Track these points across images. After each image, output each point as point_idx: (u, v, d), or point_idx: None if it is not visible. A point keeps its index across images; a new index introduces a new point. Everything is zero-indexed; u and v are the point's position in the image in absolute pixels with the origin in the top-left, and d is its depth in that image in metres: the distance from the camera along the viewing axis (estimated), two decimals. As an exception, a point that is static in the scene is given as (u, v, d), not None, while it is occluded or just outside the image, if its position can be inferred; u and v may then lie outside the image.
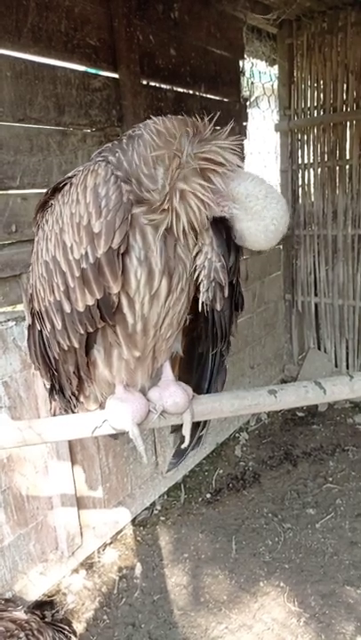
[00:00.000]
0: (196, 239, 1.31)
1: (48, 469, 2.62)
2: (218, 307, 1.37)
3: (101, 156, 1.27)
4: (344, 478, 3.57)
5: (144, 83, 3.17)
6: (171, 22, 3.35)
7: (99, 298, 1.24)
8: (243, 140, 4.35)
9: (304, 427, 4.33)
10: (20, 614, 2.19)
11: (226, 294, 1.37)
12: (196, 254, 1.33)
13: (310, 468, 3.73)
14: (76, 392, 1.54)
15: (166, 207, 1.21)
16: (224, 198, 1.25)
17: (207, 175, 1.21)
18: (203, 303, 1.37)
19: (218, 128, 1.28)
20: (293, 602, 2.60)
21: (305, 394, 1.51)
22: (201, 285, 1.35)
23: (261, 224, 1.25)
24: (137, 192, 1.20)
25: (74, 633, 2.35)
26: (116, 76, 2.95)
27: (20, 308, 2.51)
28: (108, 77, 2.92)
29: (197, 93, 3.68)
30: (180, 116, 1.26)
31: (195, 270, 1.34)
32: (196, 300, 1.40)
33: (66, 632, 2.33)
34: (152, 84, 3.27)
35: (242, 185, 1.24)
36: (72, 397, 1.57)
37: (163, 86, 3.36)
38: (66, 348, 1.38)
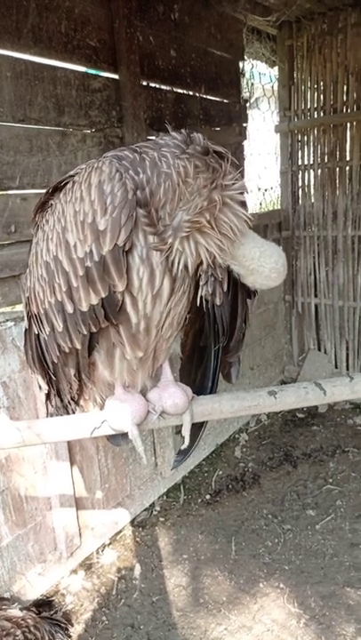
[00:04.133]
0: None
1: (47, 470, 2.62)
2: (217, 301, 1.38)
3: (120, 164, 1.22)
4: (344, 479, 3.57)
5: (144, 84, 3.17)
6: (171, 23, 3.35)
7: (103, 297, 1.24)
8: (243, 142, 4.35)
9: (304, 428, 4.33)
10: (15, 612, 2.18)
11: (225, 288, 1.38)
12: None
13: (310, 470, 3.72)
14: (76, 396, 1.53)
15: (180, 248, 1.23)
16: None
17: (222, 235, 1.24)
18: (202, 298, 1.37)
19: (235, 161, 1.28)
20: (293, 603, 2.60)
21: (305, 395, 1.51)
22: (200, 280, 1.35)
23: (261, 276, 1.36)
24: (152, 218, 1.22)
25: (69, 636, 2.34)
26: (116, 76, 2.95)
27: (19, 308, 2.50)
28: (108, 78, 2.92)
29: (197, 94, 3.69)
30: (201, 154, 1.21)
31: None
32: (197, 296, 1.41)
33: (62, 625, 2.32)
34: (152, 84, 3.27)
35: (240, 248, 1.31)
36: (70, 402, 1.56)
37: (163, 87, 3.37)
38: (67, 350, 1.37)
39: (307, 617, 2.51)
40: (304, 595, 2.64)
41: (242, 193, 1.26)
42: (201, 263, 1.30)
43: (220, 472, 3.77)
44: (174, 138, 1.26)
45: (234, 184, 1.23)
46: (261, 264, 1.33)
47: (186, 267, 1.27)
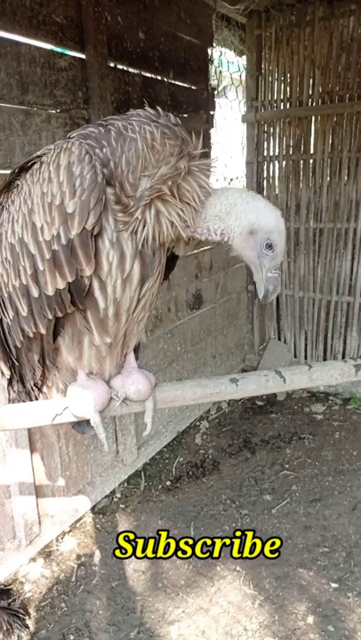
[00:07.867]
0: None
1: (6, 457, 2.57)
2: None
3: (87, 143, 1.21)
4: (300, 465, 3.68)
5: (112, 65, 3.10)
6: (140, 4, 3.28)
7: (70, 281, 1.22)
8: (212, 140, 4.34)
9: (263, 415, 4.43)
10: None
11: None
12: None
13: (268, 456, 3.82)
14: (39, 382, 1.51)
15: (139, 216, 1.21)
16: (201, 219, 1.31)
17: (184, 202, 1.24)
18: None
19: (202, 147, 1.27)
20: (249, 585, 2.68)
21: (265, 382, 1.54)
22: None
23: (247, 215, 1.30)
24: (118, 194, 1.20)
25: (26, 626, 2.33)
26: (82, 56, 2.87)
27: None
28: (74, 57, 2.84)
29: (166, 79, 3.64)
30: (172, 125, 1.22)
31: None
32: None
33: (20, 615, 2.32)
34: (120, 67, 3.20)
35: (206, 209, 1.29)
36: (34, 388, 1.54)
37: (131, 70, 3.30)
38: (31, 335, 1.35)
39: (261, 598, 2.59)
40: (259, 577, 2.72)
41: (209, 169, 1.26)
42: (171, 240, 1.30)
43: (181, 459, 3.81)
44: (146, 111, 1.26)
45: (202, 157, 1.24)
46: (235, 204, 1.29)
47: (148, 240, 1.25)
